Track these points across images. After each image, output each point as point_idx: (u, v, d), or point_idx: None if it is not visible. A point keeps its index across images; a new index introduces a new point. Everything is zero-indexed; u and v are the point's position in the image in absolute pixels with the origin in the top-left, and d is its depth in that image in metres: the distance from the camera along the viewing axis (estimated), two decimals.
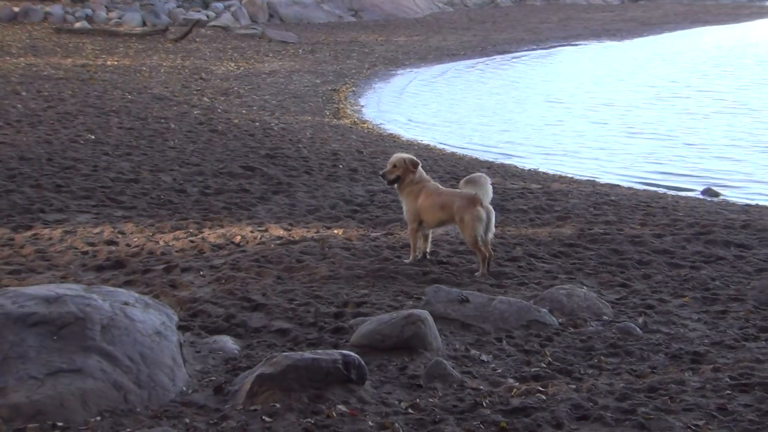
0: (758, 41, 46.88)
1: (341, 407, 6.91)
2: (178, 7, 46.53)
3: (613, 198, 15.69)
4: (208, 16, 45.41)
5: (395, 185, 11.19)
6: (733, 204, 16.74)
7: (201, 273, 10.47)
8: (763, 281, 10.33)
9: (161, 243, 11.65)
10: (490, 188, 10.88)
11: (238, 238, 11.98)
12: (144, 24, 42.22)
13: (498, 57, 40.61)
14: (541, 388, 7.41)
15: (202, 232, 12.20)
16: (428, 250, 11.27)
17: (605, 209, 14.59)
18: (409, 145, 21.55)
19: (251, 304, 9.40)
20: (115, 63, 30.84)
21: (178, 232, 12.14)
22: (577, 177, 19.26)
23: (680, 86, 32.41)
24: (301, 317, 9.04)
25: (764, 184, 19.49)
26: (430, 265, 10.95)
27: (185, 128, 20.11)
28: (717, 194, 18.10)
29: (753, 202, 17.10)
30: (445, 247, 11.86)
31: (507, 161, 20.83)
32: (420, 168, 11.10)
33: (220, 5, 47.75)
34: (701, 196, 17.90)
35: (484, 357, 8.25)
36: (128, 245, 11.53)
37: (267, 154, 17.69)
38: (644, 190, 18.11)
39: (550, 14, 58.49)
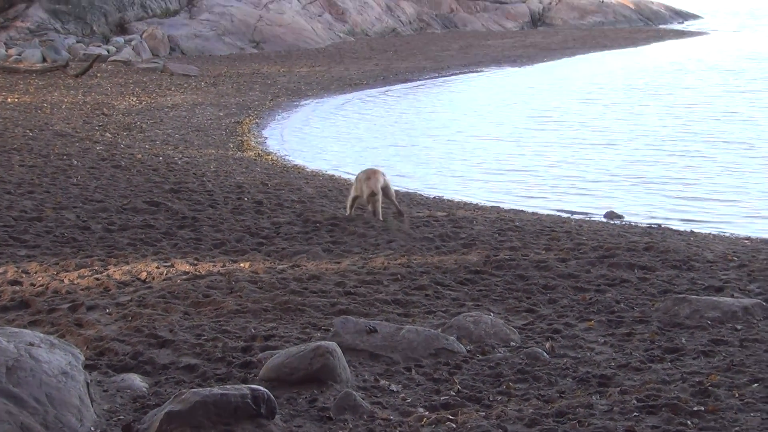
0: (649, 65, 47.66)
1: None
2: (78, 42, 46.17)
3: (517, 224, 15.83)
4: (108, 51, 45.10)
5: None
6: (636, 226, 16.99)
7: (107, 311, 10.37)
8: (666, 303, 10.49)
9: (66, 281, 11.52)
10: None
11: (144, 274, 11.89)
12: (44, 60, 41.78)
13: (400, 85, 40.86)
14: (451, 417, 7.45)
15: (107, 269, 12.08)
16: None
17: (510, 235, 14.71)
18: (313, 176, 21.58)
19: (158, 340, 9.34)
20: (16, 100, 30.49)
21: (83, 270, 12.01)
22: (482, 203, 19.41)
23: (570, 112, 32.82)
24: (209, 352, 9.00)
25: (666, 201, 19.88)
26: (337, 296, 10.97)
27: (88, 164, 19.93)
28: (620, 217, 18.36)
29: (655, 224, 17.37)
30: (352, 278, 11.88)
31: (412, 189, 20.92)
32: None
33: (120, 40, 47.49)
34: (604, 220, 18.15)
35: (393, 387, 8.28)
36: (32, 284, 11.38)
37: (171, 189, 17.59)
38: (548, 215, 18.29)
39: (451, 42, 58.92)
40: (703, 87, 37.96)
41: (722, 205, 19.76)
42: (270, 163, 23.32)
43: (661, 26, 74.25)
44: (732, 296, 10.89)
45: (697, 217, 18.62)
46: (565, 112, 32.27)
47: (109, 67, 41.51)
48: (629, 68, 46.12)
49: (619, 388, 8.07)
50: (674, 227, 17.23)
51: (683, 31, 69.85)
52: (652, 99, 35.10)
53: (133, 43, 46.78)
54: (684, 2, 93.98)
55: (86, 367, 8.08)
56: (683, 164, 23.51)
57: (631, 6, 78.91)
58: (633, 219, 18.22)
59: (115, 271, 12.00)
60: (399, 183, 21.87)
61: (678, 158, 24.15)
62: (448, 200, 19.58)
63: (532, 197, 20.60)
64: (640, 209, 19.33)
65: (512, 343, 9.45)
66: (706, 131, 27.76)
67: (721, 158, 24.04)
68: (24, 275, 11.78)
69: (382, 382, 8.40)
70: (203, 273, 12.03)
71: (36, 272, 11.94)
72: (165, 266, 12.31)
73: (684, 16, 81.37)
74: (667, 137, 27.08)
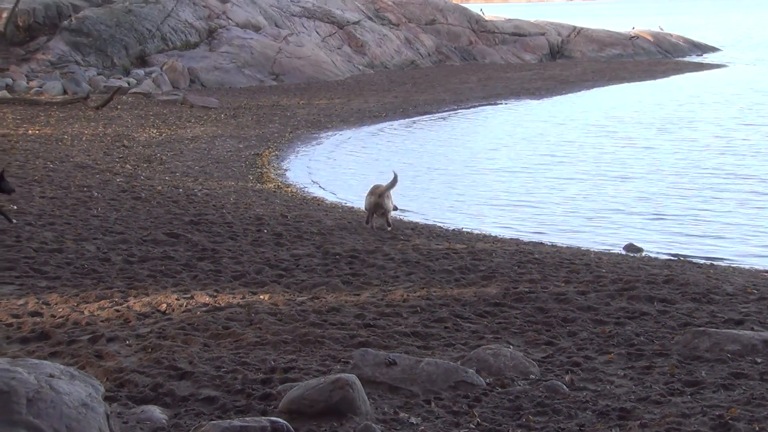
0: (666, 98, 47.62)
1: None
2: (98, 74, 46.38)
3: (536, 256, 15.82)
4: (129, 83, 45.31)
5: None
6: (656, 259, 16.98)
7: (127, 342, 10.39)
8: (686, 336, 10.46)
9: (86, 313, 11.55)
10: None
11: (164, 306, 11.92)
12: (65, 92, 41.98)
13: (419, 117, 40.91)
14: None
15: (127, 301, 12.12)
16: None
17: (529, 267, 14.71)
18: (333, 208, 21.62)
19: (178, 372, 9.35)
20: (37, 132, 30.65)
21: (103, 302, 12.04)
22: (501, 236, 19.42)
23: (586, 145, 32.85)
24: (228, 384, 9.01)
25: (685, 234, 19.88)
26: (357, 329, 10.97)
27: (108, 196, 20.02)
28: (639, 250, 18.35)
29: (675, 257, 17.35)
30: (372, 310, 11.89)
31: (431, 222, 20.96)
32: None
33: (140, 72, 47.69)
34: (624, 252, 18.15)
35: (413, 420, 8.27)
36: (53, 316, 11.42)
37: (191, 221, 17.65)
38: (567, 247, 18.29)
39: (470, 74, 59.00)
40: (720, 120, 37.86)
41: (741, 238, 19.74)
42: (290, 195, 23.38)
43: (680, 59, 74.17)
44: (752, 329, 10.85)
45: (716, 250, 18.61)
46: (582, 146, 32.27)
47: (129, 99, 41.70)
48: (647, 101, 46.07)
49: (639, 422, 8.04)
50: (694, 260, 17.23)
51: (702, 63, 69.74)
52: (668, 132, 35.03)
53: (153, 75, 46.98)
54: (703, 34, 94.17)
55: (106, 398, 8.09)
56: (701, 198, 23.48)
57: (651, 39, 78.92)
58: (652, 252, 18.21)
59: (135, 303, 12.03)
60: (418, 215, 21.95)
61: (696, 192, 24.11)
62: (468, 232, 19.60)
63: (550, 230, 20.62)
64: (660, 242, 19.33)
65: (532, 376, 9.44)
66: (722, 165, 27.70)
67: (739, 192, 23.98)
68: (44, 306, 11.82)
69: (402, 414, 8.39)
70: (223, 305, 12.05)
71: (56, 304, 11.98)
72: (185, 298, 12.34)
73: (703, 48, 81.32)
74: (683, 171, 27.05)
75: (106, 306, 11.86)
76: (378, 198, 17.80)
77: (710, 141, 32.46)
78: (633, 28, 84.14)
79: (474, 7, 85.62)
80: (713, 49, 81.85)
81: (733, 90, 50.01)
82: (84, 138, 29.80)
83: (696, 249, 18.73)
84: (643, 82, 56.67)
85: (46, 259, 14.29)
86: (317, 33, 61.51)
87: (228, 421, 7.39)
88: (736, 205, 22.64)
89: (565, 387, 9.03)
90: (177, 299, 12.25)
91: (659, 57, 75.52)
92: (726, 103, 44.16)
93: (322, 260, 14.92)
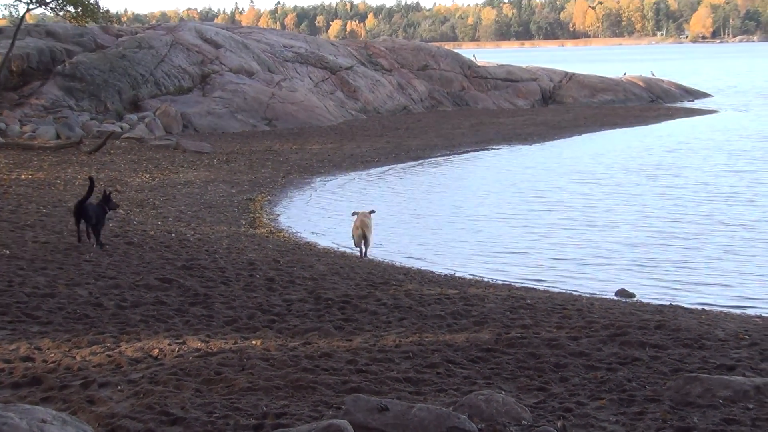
0: (656, 144, 47.83)
1: None
2: (91, 119, 46.50)
3: (528, 301, 15.84)
4: (122, 128, 45.42)
5: None
6: (648, 305, 17.01)
7: (119, 388, 10.37)
8: (678, 381, 10.47)
9: (78, 358, 11.53)
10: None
11: (156, 351, 11.90)
12: (58, 137, 42.11)
13: (411, 163, 41.02)
14: None
15: (119, 346, 12.11)
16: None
17: (522, 313, 14.73)
18: (325, 253, 21.65)
19: (170, 418, 9.33)
20: (30, 176, 30.70)
21: (95, 347, 12.03)
22: (493, 281, 19.46)
23: (576, 192, 32.94)
24: (220, 430, 8.99)
25: (677, 280, 19.93)
26: (349, 374, 10.97)
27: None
28: (631, 295, 18.40)
29: (667, 303, 17.38)
30: (364, 355, 11.89)
31: (423, 267, 21.00)
32: None
33: (134, 117, 47.82)
34: (616, 297, 18.19)
35: None
36: (45, 361, 11.40)
37: (183, 266, 17.66)
38: (559, 292, 18.33)
39: (462, 120, 59.20)
40: (708, 167, 38.00)
41: (732, 284, 19.79)
42: (282, 240, 23.41)
43: (671, 104, 74.49)
44: (744, 375, 10.87)
45: (707, 296, 18.67)
46: (572, 192, 32.29)
47: (122, 143, 41.79)
48: (636, 147, 46.22)
49: None
50: (685, 305, 17.27)
51: (693, 108, 70.02)
52: (656, 179, 35.13)
53: (146, 120, 47.11)
54: (694, 80, 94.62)
55: None
56: (690, 245, 23.54)
57: (642, 84, 79.29)
58: (644, 297, 18.26)
59: (127, 348, 12.02)
60: (410, 260, 21.99)
61: (685, 239, 24.13)
62: (460, 278, 19.64)
63: (543, 275, 20.67)
64: (651, 288, 19.39)
65: (524, 422, 9.43)
66: (710, 212, 27.77)
67: (727, 239, 24.04)
68: (36, 351, 11.80)
69: None
70: (215, 350, 12.04)
71: (48, 349, 11.96)
72: (177, 343, 12.33)
73: (694, 94, 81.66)
74: (672, 218, 27.10)
75: (98, 351, 11.84)
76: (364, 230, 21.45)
77: (698, 188, 32.56)
78: (624, 73, 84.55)
79: (467, 53, 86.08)
80: (704, 95, 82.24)
81: (721, 136, 50.22)
82: (77, 182, 29.84)
83: (688, 294, 18.80)
84: (634, 128, 56.89)
85: (39, 303, 14.27)
86: (310, 78, 61.78)
87: None
88: (725, 252, 22.69)
89: None
90: (169, 344, 12.24)
91: (651, 102, 75.84)
92: (714, 149, 44.36)
93: (314, 305, 14.93)
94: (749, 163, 39.03)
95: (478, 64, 76.89)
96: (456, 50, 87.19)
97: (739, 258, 21.99)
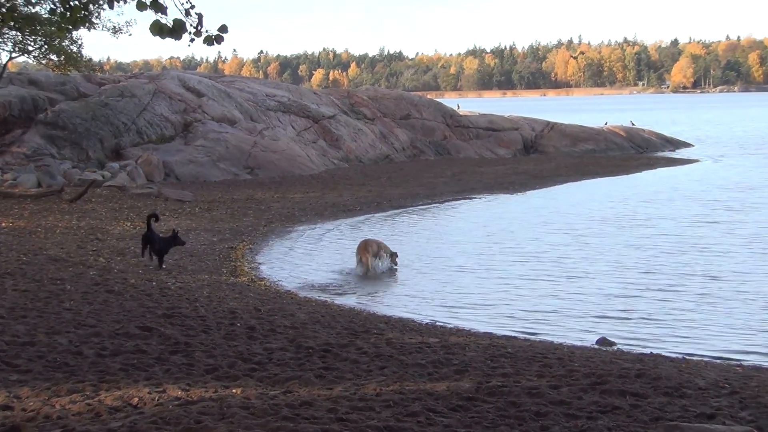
0: (633, 194, 48.01)
1: None
2: (73, 167, 46.50)
3: (509, 350, 15.86)
4: (104, 176, 45.42)
5: None
6: (628, 353, 17.04)
7: None
8: (658, 430, 10.48)
9: (57, 407, 11.48)
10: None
11: (136, 399, 11.86)
12: (39, 185, 42.06)
13: (393, 212, 41.06)
14: None
15: (98, 395, 12.06)
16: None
17: (502, 362, 14.73)
18: (306, 302, 21.64)
19: None
20: (10, 225, 30.64)
21: (74, 395, 11.98)
22: (474, 330, 19.47)
23: (550, 243, 33.03)
24: None
25: (658, 329, 19.96)
26: (329, 423, 10.94)
27: (81, 289, 19.99)
28: (612, 344, 18.43)
29: (647, 351, 17.42)
30: (345, 404, 11.87)
31: (404, 315, 20.99)
32: None
33: (115, 165, 47.83)
34: (596, 346, 18.21)
35: None
36: (24, 410, 11.34)
37: (164, 314, 17.63)
38: (540, 341, 18.35)
39: (444, 169, 59.37)
40: (683, 218, 38.05)
41: (712, 334, 19.83)
42: (263, 288, 23.39)
43: (652, 154, 74.83)
44: (724, 424, 10.88)
45: (687, 345, 18.70)
46: (549, 243, 32.16)
47: (104, 192, 41.77)
48: (615, 197, 46.24)
49: None
50: (666, 354, 17.31)
51: (673, 158, 70.34)
52: (633, 230, 35.09)
53: (128, 168, 47.12)
54: (674, 129, 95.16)
55: None
56: (668, 295, 23.52)
57: (623, 134, 79.66)
58: (625, 346, 18.29)
59: (106, 397, 11.98)
60: (391, 309, 21.99)
61: (661, 292, 24.01)
62: (441, 326, 19.64)
63: (523, 324, 20.68)
64: (632, 337, 19.41)
65: None
66: (686, 263, 27.78)
67: (704, 290, 24.03)
68: (15, 400, 11.74)
69: None
70: (195, 399, 12.00)
71: (27, 397, 11.90)
72: (157, 392, 12.29)
73: (674, 143, 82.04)
74: (646, 268, 27.08)
75: (77, 400, 11.80)
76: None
77: (674, 239, 32.61)
78: (606, 123, 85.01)
79: (450, 102, 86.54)
80: (685, 145, 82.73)
81: (699, 186, 50.45)
82: (58, 231, 29.80)
83: (668, 344, 18.81)
84: (615, 178, 57.11)
85: (18, 352, 14.22)
86: (292, 127, 61.94)
87: None
88: (702, 303, 22.68)
89: None
90: (149, 393, 12.20)
91: (632, 152, 76.21)
92: (691, 199, 44.52)
93: (294, 354, 14.91)
94: (725, 213, 39.15)
95: (460, 113, 77.20)
96: (438, 99, 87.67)
97: (716, 309, 22.02)
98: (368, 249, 26.82)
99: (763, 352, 18.13)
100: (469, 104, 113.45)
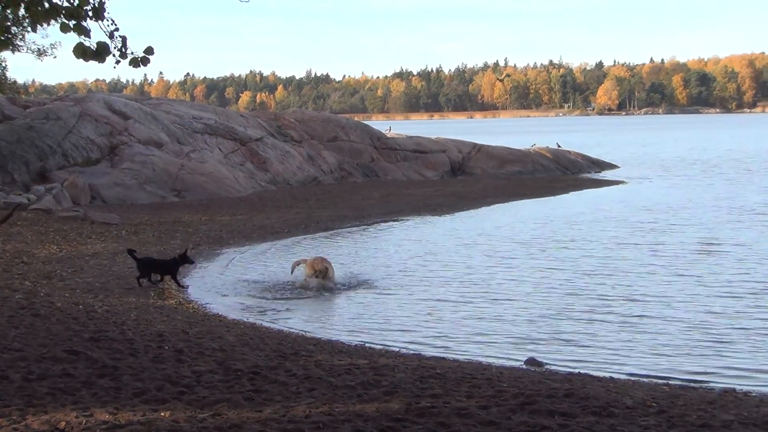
0: (557, 215, 48.38)
1: None
2: None
3: (438, 371, 15.91)
4: (29, 199, 44.93)
5: None
6: (557, 373, 17.16)
7: None
8: None
9: None
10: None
11: (63, 423, 11.77)
12: None
13: (322, 234, 41.06)
14: None
15: (25, 419, 11.94)
16: None
17: (431, 382, 14.78)
18: (234, 324, 21.56)
19: None
20: None
21: (0, 420, 11.86)
22: (403, 351, 19.51)
23: (473, 267, 33.21)
24: None
25: (585, 350, 20.10)
26: None
27: (7, 313, 19.77)
28: (540, 364, 18.54)
29: (576, 371, 17.56)
30: (274, 426, 11.84)
31: (333, 337, 20.99)
32: None
33: (41, 188, 47.35)
34: (525, 367, 18.32)
35: None
36: None
37: (91, 338, 17.49)
38: (469, 362, 18.42)
39: (372, 191, 59.47)
40: (606, 239, 38.26)
41: (639, 354, 20.00)
42: (191, 311, 23.28)
43: (579, 175, 75.46)
44: None
45: (614, 365, 18.85)
46: (472, 267, 32.19)
47: (29, 215, 41.33)
48: (540, 219, 46.35)
49: None
50: (593, 374, 17.44)
51: (600, 180, 70.98)
52: (559, 252, 35.26)
53: (54, 191, 46.65)
54: (599, 151, 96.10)
55: None
56: (593, 316, 23.59)
57: (549, 156, 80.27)
58: (554, 366, 18.41)
59: (33, 421, 11.86)
60: (321, 330, 21.98)
61: (586, 312, 24.14)
62: (370, 348, 19.66)
63: (452, 345, 20.74)
64: (561, 357, 19.52)
65: None
66: (608, 285, 27.92)
67: (627, 311, 24.17)
68: None
69: None
70: (123, 422, 11.93)
71: None
72: (84, 416, 12.19)
73: (601, 165, 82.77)
74: (569, 290, 27.19)
75: (3, 425, 11.68)
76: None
77: (596, 260, 32.80)
78: (534, 145, 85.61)
79: (378, 125, 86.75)
80: (611, 166, 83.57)
81: (623, 207, 50.86)
82: None
83: (595, 363, 18.95)
84: (542, 198, 57.53)
85: None
86: (220, 149, 61.75)
87: None
88: (628, 323, 22.84)
89: None
90: (76, 417, 12.11)
91: (558, 173, 76.81)
92: (615, 220, 44.85)
93: (223, 376, 14.86)
94: (648, 235, 39.50)
95: (388, 136, 77.42)
96: (367, 122, 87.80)
97: (640, 329, 22.19)
98: (322, 264, 27.80)
99: (688, 371, 18.34)
100: (396, 127, 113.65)
